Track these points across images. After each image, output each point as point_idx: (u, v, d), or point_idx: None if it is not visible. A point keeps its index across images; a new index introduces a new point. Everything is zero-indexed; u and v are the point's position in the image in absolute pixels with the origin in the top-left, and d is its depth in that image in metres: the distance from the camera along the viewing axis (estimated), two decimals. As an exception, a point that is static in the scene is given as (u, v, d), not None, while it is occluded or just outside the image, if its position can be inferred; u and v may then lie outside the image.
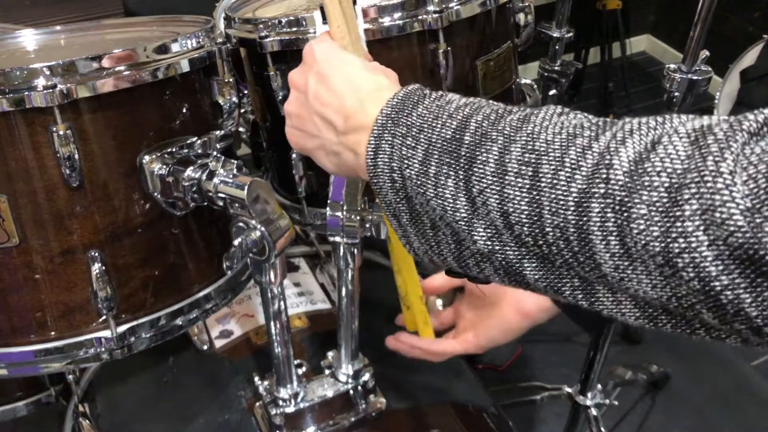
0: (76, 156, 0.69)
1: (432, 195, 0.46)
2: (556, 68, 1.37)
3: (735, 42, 1.97)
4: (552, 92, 1.41)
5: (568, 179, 0.39)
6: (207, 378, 1.06)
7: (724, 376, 1.83)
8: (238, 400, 1.00)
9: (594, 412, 1.44)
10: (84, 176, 0.71)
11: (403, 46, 0.87)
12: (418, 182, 0.47)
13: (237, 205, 0.74)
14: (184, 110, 0.78)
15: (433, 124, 0.47)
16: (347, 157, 0.54)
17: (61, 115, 0.67)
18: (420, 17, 0.85)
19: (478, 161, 0.43)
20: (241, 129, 1.10)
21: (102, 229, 0.74)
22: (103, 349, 0.77)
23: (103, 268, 0.74)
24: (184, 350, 1.08)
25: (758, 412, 1.73)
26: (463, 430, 1.01)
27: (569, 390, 1.49)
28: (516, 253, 0.43)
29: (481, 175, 0.43)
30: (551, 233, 0.40)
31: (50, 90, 0.66)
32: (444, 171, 0.45)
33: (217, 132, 0.82)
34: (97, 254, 0.74)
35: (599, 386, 1.44)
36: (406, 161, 0.47)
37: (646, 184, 0.35)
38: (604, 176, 0.37)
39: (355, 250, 0.87)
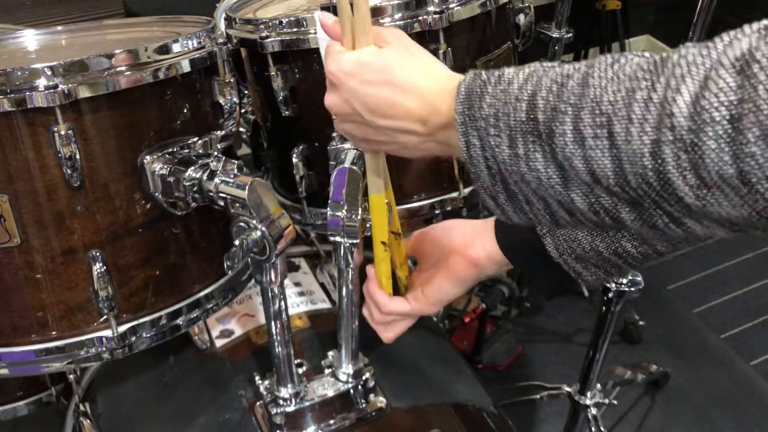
0: (77, 156, 0.69)
1: (525, 170, 0.52)
2: (556, 68, 1.37)
3: (735, 42, 1.96)
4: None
5: (640, 133, 0.43)
6: (207, 378, 1.05)
7: (724, 376, 1.83)
8: (238, 399, 1.00)
9: (593, 411, 1.44)
10: (85, 176, 0.71)
11: (404, 47, 0.87)
12: (511, 162, 0.52)
13: (238, 205, 0.74)
14: (185, 110, 0.78)
15: (506, 110, 0.51)
16: (439, 149, 0.60)
17: (62, 115, 0.68)
18: (420, 17, 0.86)
19: (557, 134, 0.48)
20: (241, 129, 1.10)
21: (103, 228, 0.74)
22: (104, 349, 0.77)
23: (104, 267, 0.75)
24: (185, 350, 1.08)
25: (758, 412, 1.73)
26: (463, 430, 1.01)
27: (569, 389, 1.49)
28: (610, 201, 0.49)
29: (563, 145, 0.48)
30: (633, 181, 0.45)
31: (51, 90, 0.66)
32: (531, 148, 0.50)
33: (218, 132, 0.83)
34: (98, 254, 0.74)
35: (599, 386, 1.44)
36: (496, 148, 0.53)
37: (708, 120, 0.39)
38: (669, 125, 0.41)
39: (356, 250, 0.87)
